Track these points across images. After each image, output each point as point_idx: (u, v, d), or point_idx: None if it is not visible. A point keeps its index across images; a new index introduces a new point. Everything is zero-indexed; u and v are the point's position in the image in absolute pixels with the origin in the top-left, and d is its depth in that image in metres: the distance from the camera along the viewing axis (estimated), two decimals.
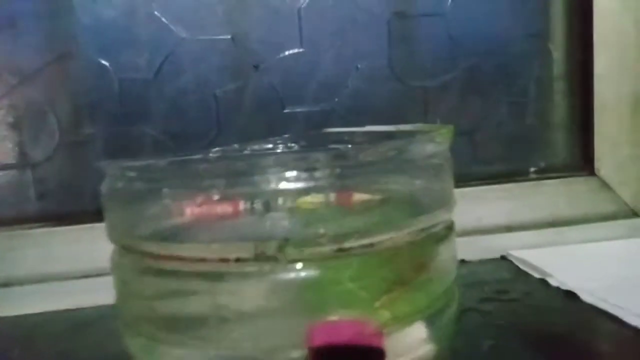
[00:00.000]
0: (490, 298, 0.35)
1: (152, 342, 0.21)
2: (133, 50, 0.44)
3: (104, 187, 0.23)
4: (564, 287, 0.35)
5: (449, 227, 0.24)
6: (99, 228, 0.42)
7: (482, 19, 0.48)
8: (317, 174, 0.19)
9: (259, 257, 0.19)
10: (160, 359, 0.21)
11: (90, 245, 0.43)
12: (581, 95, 0.49)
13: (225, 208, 0.21)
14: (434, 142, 0.22)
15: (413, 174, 0.22)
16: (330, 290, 0.20)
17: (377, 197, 0.22)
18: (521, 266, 0.40)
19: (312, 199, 0.20)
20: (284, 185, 0.19)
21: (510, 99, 0.49)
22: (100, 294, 0.39)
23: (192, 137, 0.44)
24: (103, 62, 0.44)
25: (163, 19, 0.44)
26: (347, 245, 0.20)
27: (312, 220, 0.20)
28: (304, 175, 0.19)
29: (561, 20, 0.49)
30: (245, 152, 0.33)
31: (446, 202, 0.23)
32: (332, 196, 0.20)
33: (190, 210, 0.20)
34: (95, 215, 0.44)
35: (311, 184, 0.19)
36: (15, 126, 0.44)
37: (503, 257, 0.42)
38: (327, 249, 0.19)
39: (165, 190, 0.19)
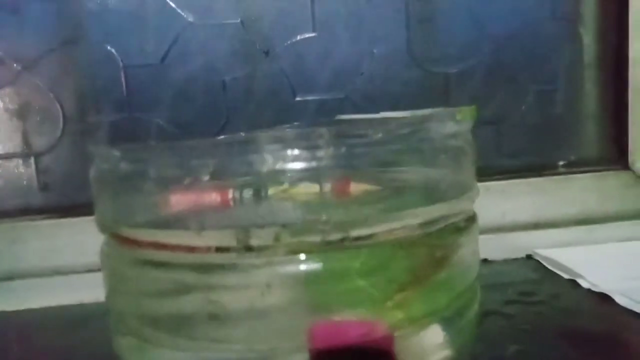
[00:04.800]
0: (514, 300, 0.33)
1: (141, 342, 0.20)
2: (140, 36, 0.42)
3: (92, 172, 0.21)
4: (596, 289, 0.33)
5: (471, 219, 0.22)
6: None
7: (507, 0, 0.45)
8: (320, 153, 0.16)
9: (248, 247, 0.17)
10: None
11: (95, 238, 0.42)
12: (614, 83, 0.47)
13: (214, 197, 0.19)
14: (454, 121, 0.20)
15: (429, 156, 0.19)
16: (336, 286, 0.18)
17: (384, 186, 0.20)
18: (549, 266, 0.38)
19: (307, 189, 0.18)
20: (281, 165, 0.17)
21: (537, 87, 0.47)
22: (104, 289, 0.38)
23: (199, 126, 0.43)
24: (109, 48, 0.42)
25: (171, 3, 0.43)
26: (352, 234, 0.18)
27: (309, 208, 0.18)
28: (304, 154, 0.16)
29: (592, 1, 0.46)
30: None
31: (467, 191, 0.21)
32: (328, 186, 0.18)
33: (178, 199, 0.18)
34: None
35: (312, 164, 0.17)
36: (18, 114, 0.43)
37: (529, 257, 0.40)
38: (330, 238, 0.17)
39: (152, 171, 0.18)
